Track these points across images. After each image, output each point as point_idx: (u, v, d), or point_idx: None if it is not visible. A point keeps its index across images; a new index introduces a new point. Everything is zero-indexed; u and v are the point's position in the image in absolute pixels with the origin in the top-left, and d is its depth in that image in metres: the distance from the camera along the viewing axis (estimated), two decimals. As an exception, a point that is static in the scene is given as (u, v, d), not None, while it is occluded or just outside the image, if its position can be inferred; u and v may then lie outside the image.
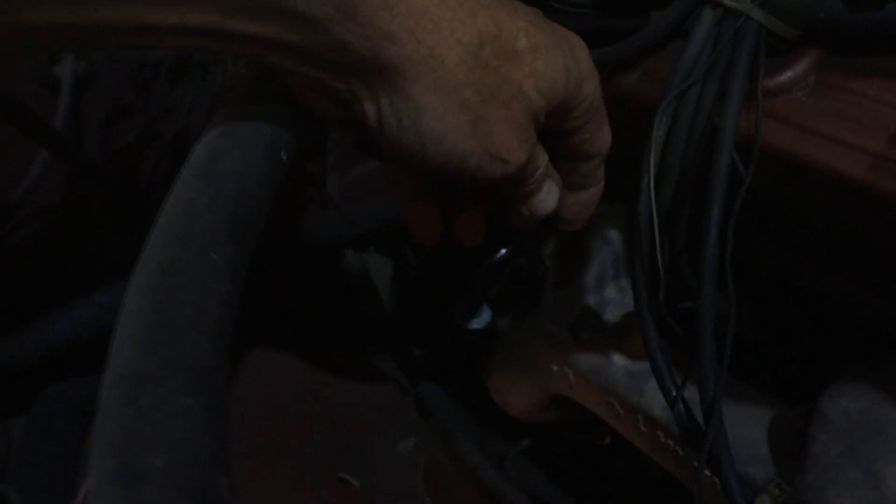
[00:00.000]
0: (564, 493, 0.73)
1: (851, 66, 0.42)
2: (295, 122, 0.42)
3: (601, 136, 0.44)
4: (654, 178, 0.44)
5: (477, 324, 0.63)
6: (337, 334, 0.88)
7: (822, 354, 0.51)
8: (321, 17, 0.34)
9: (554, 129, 0.43)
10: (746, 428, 0.48)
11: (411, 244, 0.85)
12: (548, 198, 0.45)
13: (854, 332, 0.47)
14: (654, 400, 0.55)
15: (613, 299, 0.60)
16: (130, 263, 0.34)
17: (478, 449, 0.73)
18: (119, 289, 0.72)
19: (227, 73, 0.97)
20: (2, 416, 0.72)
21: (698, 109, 0.43)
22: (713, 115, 0.43)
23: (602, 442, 0.70)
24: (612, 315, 0.59)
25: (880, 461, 0.40)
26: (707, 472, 0.43)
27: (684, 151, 0.44)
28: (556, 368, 0.62)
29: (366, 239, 0.83)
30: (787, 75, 0.43)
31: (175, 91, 1.04)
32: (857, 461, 0.41)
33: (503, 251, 0.58)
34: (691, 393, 0.43)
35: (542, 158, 0.43)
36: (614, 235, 0.61)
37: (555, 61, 0.39)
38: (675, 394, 0.44)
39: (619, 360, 0.58)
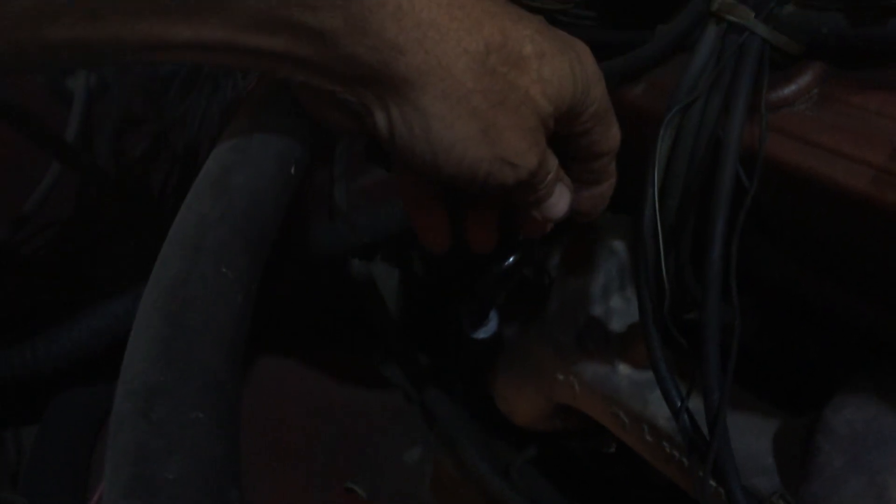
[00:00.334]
0: (569, 502, 0.73)
1: (854, 80, 0.43)
2: (305, 134, 0.43)
3: (610, 136, 0.44)
4: (659, 190, 0.44)
5: (483, 333, 0.63)
6: (343, 342, 0.89)
7: (826, 365, 0.51)
8: (331, 31, 0.34)
9: (563, 134, 0.43)
10: (751, 438, 0.48)
11: (419, 253, 0.85)
12: (560, 202, 0.45)
13: (857, 343, 0.47)
14: (658, 410, 0.55)
15: (618, 309, 0.60)
16: (141, 273, 0.35)
17: (483, 457, 0.74)
18: (130, 299, 0.73)
19: (238, 86, 0.98)
20: (14, 425, 0.72)
21: (703, 122, 0.44)
22: (717, 127, 0.43)
23: (607, 451, 0.70)
24: (617, 325, 0.60)
25: (884, 472, 0.41)
26: (712, 483, 0.43)
27: (689, 163, 0.44)
28: (561, 377, 0.63)
29: (372, 249, 0.83)
30: (791, 89, 0.44)
31: (186, 103, 1.05)
32: (861, 472, 0.41)
33: (511, 259, 0.58)
34: (696, 403, 0.43)
35: (553, 163, 0.43)
36: (619, 246, 0.61)
37: (561, 67, 0.39)
38: (679, 404, 0.44)
39: (623, 369, 0.58)
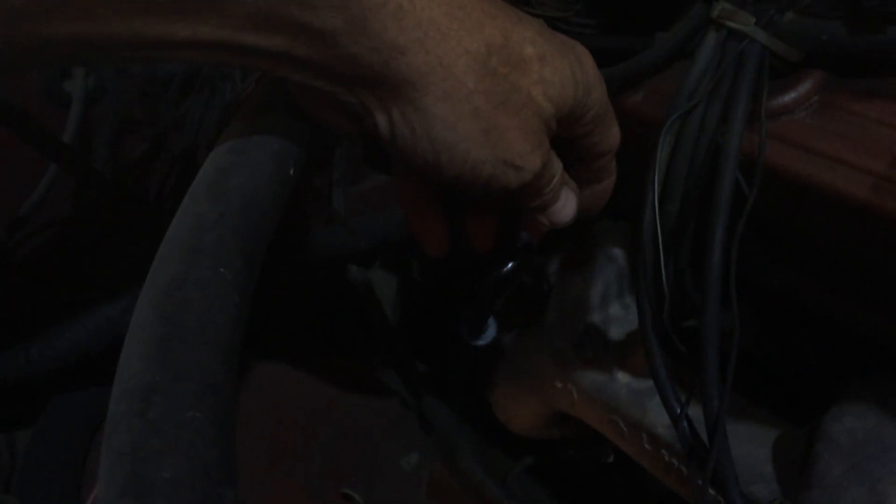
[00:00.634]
0: (567, 511, 0.73)
1: (854, 88, 0.43)
2: (303, 136, 0.43)
3: (611, 136, 0.44)
4: (658, 197, 0.44)
5: (482, 340, 0.63)
6: (341, 348, 0.89)
7: (826, 372, 0.51)
8: (331, 31, 0.34)
9: (564, 136, 0.43)
10: (750, 446, 0.48)
11: (417, 258, 0.85)
12: (566, 206, 0.44)
13: (857, 350, 0.47)
14: (657, 418, 0.55)
15: (617, 316, 0.60)
16: (138, 275, 0.35)
17: (480, 465, 0.73)
18: (126, 301, 0.73)
19: (236, 88, 0.98)
20: (7, 428, 0.72)
21: (702, 129, 0.44)
22: (717, 134, 0.43)
23: (605, 459, 0.69)
24: (615, 332, 0.60)
25: (884, 480, 0.40)
26: (711, 491, 0.43)
27: (688, 170, 0.44)
28: (559, 385, 0.62)
29: (371, 255, 0.83)
30: (791, 96, 0.44)
31: (184, 105, 1.05)
32: (861, 480, 0.41)
33: (510, 265, 0.58)
34: (695, 411, 0.43)
35: (558, 166, 0.43)
36: (618, 253, 0.61)
37: (562, 69, 0.39)
38: (679, 411, 0.44)
39: (622, 377, 0.58)
